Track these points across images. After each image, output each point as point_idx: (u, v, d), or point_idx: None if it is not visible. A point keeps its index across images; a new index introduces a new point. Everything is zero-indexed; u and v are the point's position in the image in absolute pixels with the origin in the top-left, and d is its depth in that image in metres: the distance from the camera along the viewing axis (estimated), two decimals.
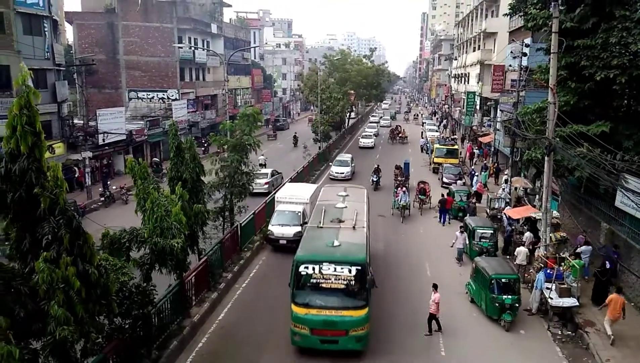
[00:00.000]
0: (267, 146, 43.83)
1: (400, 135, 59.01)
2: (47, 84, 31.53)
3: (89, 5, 50.35)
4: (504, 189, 28.35)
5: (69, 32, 50.59)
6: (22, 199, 8.62)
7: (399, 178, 32.09)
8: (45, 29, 31.22)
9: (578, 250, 18.43)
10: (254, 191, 26.20)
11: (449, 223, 26.42)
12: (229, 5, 64.80)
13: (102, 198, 30.31)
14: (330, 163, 40.96)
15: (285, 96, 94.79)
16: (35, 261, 8.39)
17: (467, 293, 17.71)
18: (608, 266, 16.51)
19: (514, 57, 30.22)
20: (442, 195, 28.05)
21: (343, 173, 37.65)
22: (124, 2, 48.26)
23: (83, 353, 9.38)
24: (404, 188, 27.90)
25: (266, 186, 31.55)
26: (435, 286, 15.37)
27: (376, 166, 35.57)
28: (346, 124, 64.80)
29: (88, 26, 48.47)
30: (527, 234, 20.80)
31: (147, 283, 12.98)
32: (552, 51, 17.26)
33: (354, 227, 16.13)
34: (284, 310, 14.57)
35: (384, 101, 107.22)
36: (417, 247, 23.15)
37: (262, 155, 37.44)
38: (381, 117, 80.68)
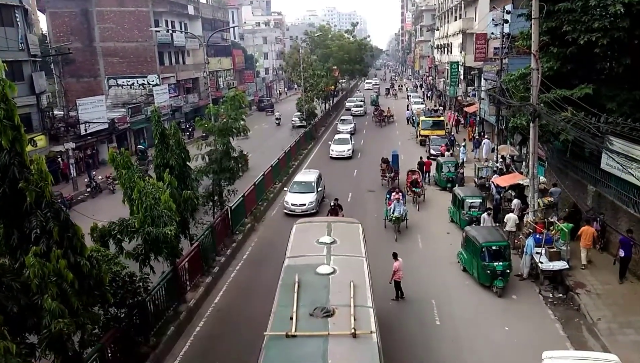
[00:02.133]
0: (252, 126, 43.55)
1: (386, 115, 53.86)
2: (24, 76, 30.81)
3: None
4: (488, 159, 28.76)
5: (42, 22, 49.29)
6: (7, 195, 8.49)
7: (387, 174, 28.09)
8: (17, 19, 30.37)
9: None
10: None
11: (428, 182, 28.76)
12: None
13: (89, 189, 30.00)
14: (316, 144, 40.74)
15: (268, 76, 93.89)
16: (25, 256, 8.31)
17: (458, 262, 17.93)
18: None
19: (496, 25, 30.14)
20: (420, 158, 30.53)
21: (344, 151, 37.13)
22: None
23: (81, 345, 9.38)
24: (399, 194, 21.84)
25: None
26: (395, 255, 15.78)
27: (333, 204, 21.84)
28: (331, 101, 64.44)
29: (62, 14, 47.24)
30: (515, 201, 21.01)
31: (141, 271, 12.94)
32: (533, 17, 17.18)
33: (353, 334, 8.57)
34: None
35: (365, 81, 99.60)
36: (417, 278, 17.02)
37: (278, 112, 54.03)
38: (357, 103, 64.00)
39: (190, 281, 16.30)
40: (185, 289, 15.88)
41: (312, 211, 24.22)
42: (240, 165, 22.23)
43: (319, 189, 25.86)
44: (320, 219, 16.52)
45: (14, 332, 7.88)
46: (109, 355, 11.10)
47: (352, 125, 46.96)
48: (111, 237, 13.06)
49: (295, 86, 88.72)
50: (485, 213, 19.79)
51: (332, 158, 36.65)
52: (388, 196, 22.77)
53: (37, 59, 33.35)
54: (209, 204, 21.21)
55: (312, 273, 10.89)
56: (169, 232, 12.82)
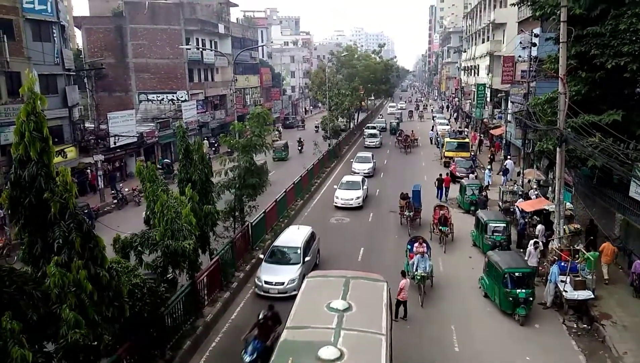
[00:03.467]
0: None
1: (411, 139, 49.97)
2: (58, 89, 31.82)
3: (97, 9, 50.78)
4: (514, 183, 28.55)
5: (78, 37, 50.98)
6: (32, 205, 8.71)
7: (407, 213, 24.07)
8: (54, 35, 31.51)
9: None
10: (343, 205, 28.36)
11: (446, 200, 29.04)
12: (236, 5, 64.89)
13: (115, 201, 30.59)
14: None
15: (294, 94, 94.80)
16: (47, 265, 8.48)
17: (480, 287, 17.57)
18: None
19: (524, 48, 29.92)
20: (440, 174, 31.04)
21: (374, 142, 45.56)
22: (131, 6, 48.53)
23: (97, 356, 9.45)
24: (423, 246, 17.95)
25: (359, 200, 28.88)
26: (403, 274, 15.98)
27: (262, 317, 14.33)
28: (356, 121, 64.59)
29: (97, 30, 48.86)
30: (539, 227, 20.56)
31: (159, 284, 13.05)
32: (561, 40, 17.02)
33: None
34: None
35: (389, 104, 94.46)
36: (437, 302, 16.94)
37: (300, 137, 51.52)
38: (372, 132, 53.30)
39: (209, 296, 16.35)
40: (203, 303, 15.92)
41: (370, 174, 36.45)
42: (263, 181, 22.41)
43: (307, 258, 18.51)
44: (337, 274, 13.07)
45: (33, 339, 8.00)
46: None
47: (371, 165, 37.81)
48: (132, 249, 13.25)
49: (320, 104, 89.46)
50: (532, 246, 18.24)
51: (337, 207, 28.53)
52: (409, 246, 18.71)
53: (71, 73, 34.47)
54: (229, 219, 21.36)
55: (312, 357, 8.71)
56: (188, 246, 12.94)
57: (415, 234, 20.98)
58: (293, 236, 19.52)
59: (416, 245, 18.23)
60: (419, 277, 16.76)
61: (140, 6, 48.49)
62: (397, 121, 65.45)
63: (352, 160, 39.99)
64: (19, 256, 15.41)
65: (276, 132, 55.47)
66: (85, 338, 8.21)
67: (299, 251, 18.31)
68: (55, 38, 31.60)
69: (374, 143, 50.99)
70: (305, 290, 11.93)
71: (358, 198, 28.40)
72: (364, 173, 35.42)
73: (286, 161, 44.54)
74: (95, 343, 8.96)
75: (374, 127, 58.06)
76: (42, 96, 8.63)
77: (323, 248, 20.90)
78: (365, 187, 29.74)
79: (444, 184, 29.92)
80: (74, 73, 36.32)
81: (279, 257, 18.48)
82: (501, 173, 32.13)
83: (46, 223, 8.82)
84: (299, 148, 49.05)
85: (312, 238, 19.78)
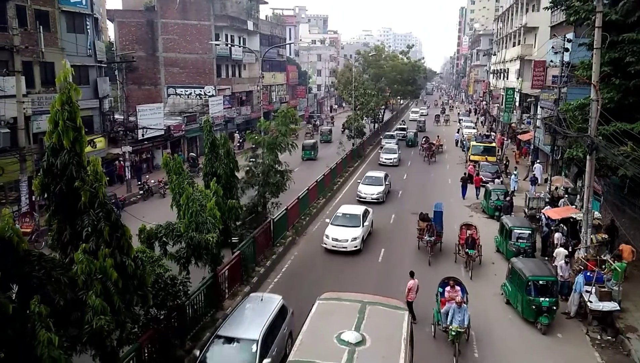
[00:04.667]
0: (301, 141, 43.96)
1: (435, 145, 45.77)
2: (89, 80, 32.51)
3: (129, 3, 51.65)
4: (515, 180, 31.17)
5: (110, 30, 52.02)
6: (63, 192, 8.93)
7: (427, 237, 20.68)
8: (88, 27, 32.18)
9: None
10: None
11: (477, 196, 29.56)
12: (265, 2, 65.25)
13: (141, 192, 31.11)
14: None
15: (320, 92, 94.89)
16: (75, 252, 8.68)
17: (502, 294, 17.33)
18: None
19: (556, 53, 29.39)
20: (465, 173, 31.74)
21: (391, 159, 40.73)
22: (163, 1, 49.22)
23: (119, 343, 9.65)
24: (458, 292, 14.57)
25: (380, 195, 29.61)
26: (412, 274, 15.86)
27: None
28: (381, 121, 64.28)
29: (128, 24, 49.70)
30: (557, 234, 20.21)
31: (182, 275, 13.24)
32: (595, 46, 16.64)
33: None
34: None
35: (411, 109, 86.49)
36: None
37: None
38: (390, 147, 44.59)
39: (229, 289, 16.52)
40: (224, 296, 16.09)
41: (396, 164, 36.70)
42: (286, 179, 22.52)
43: (365, 223, 22.75)
44: (352, 298, 11.53)
45: (58, 324, 8.19)
46: (146, 355, 11.38)
47: (382, 188, 30.10)
48: (157, 239, 13.48)
49: (344, 104, 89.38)
50: (563, 260, 17.49)
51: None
52: (441, 289, 15.15)
53: (102, 65, 35.17)
54: (252, 215, 21.52)
55: None
56: (211, 239, 13.11)
57: (436, 260, 19.91)
58: (354, 207, 24.54)
59: (448, 289, 14.77)
60: (453, 332, 13.46)
61: (171, 1, 49.14)
62: (414, 132, 55.69)
63: (359, 181, 32.29)
64: (47, 242, 15.91)
65: (309, 126, 60.39)
66: (110, 325, 8.38)
67: (360, 217, 22.64)
68: (89, 30, 32.28)
69: (391, 160, 41.38)
70: (315, 315, 10.63)
71: (354, 239, 21.27)
72: (372, 198, 29.20)
73: (315, 160, 43.26)
74: (119, 330, 9.16)
75: (392, 137, 51.77)
76: (76, 87, 8.83)
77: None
78: (366, 224, 22.68)
79: (474, 184, 30.98)
80: (106, 65, 37.05)
81: (345, 220, 22.51)
82: (529, 179, 31.63)
83: (75, 211, 9.03)
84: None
85: (367, 212, 23.96)
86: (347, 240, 21.36)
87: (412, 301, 15.55)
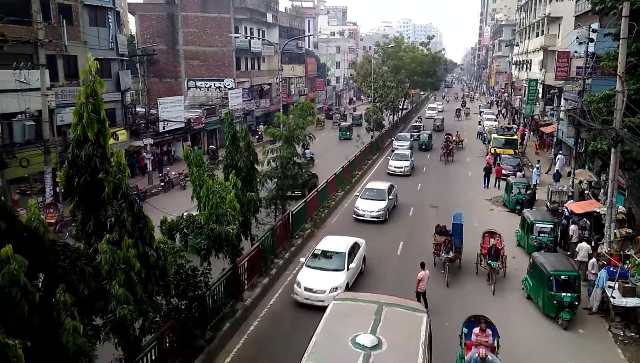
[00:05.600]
0: (320, 134, 43.90)
1: (455, 141, 42.74)
2: (112, 74, 32.95)
3: None
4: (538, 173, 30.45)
5: (131, 23, 52.56)
6: (87, 184, 9.08)
7: (444, 254, 17.99)
8: (110, 21, 32.57)
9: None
10: (364, 217, 24.24)
11: (497, 186, 29.79)
12: None
13: (162, 183, 31.52)
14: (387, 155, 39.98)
15: (338, 85, 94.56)
16: (99, 242, 8.84)
17: (523, 289, 17.14)
18: None
19: (580, 43, 28.76)
20: (487, 163, 31.83)
21: (402, 168, 34.32)
22: None
23: (141, 331, 9.83)
24: (488, 334, 12.05)
25: (381, 212, 24.48)
26: (422, 265, 15.85)
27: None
28: (400, 113, 63.81)
29: (149, 17, 50.14)
30: (573, 227, 19.92)
31: (203, 266, 13.40)
32: (621, 37, 16.25)
33: None
34: None
35: (428, 106, 78.02)
36: (477, 302, 15.99)
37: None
38: (400, 152, 37.71)
39: (248, 281, 16.67)
40: (243, 287, 16.25)
41: (407, 174, 31.63)
42: (303, 171, 22.58)
43: (390, 197, 25.80)
44: (369, 299, 11.04)
45: (82, 313, 8.37)
46: (167, 343, 11.57)
47: (384, 204, 24.91)
48: (178, 231, 13.65)
49: (362, 96, 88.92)
50: (594, 258, 17.03)
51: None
52: (465, 330, 12.51)
53: (124, 58, 35.58)
54: (271, 207, 21.64)
55: None
56: (231, 231, 13.23)
57: (456, 279, 17.19)
58: (379, 185, 26.80)
59: (476, 331, 12.10)
60: None
61: None
62: (430, 132, 48.69)
63: (357, 193, 27.76)
64: (71, 232, 16.23)
65: (337, 115, 65.67)
66: (132, 314, 8.54)
67: (385, 193, 25.48)
68: (111, 23, 32.67)
69: (401, 169, 34.77)
70: (330, 316, 10.23)
71: (334, 289, 15.92)
72: (372, 217, 24.41)
73: (350, 139, 47.08)
74: (141, 319, 9.32)
75: (405, 138, 45.07)
76: (100, 80, 8.95)
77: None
78: (352, 266, 17.24)
79: (495, 175, 31.45)
80: (127, 58, 37.47)
81: (373, 194, 25.46)
82: (551, 173, 31.14)
83: (99, 202, 9.18)
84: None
85: (392, 187, 26.81)
86: (323, 293, 15.90)
87: (422, 292, 15.62)
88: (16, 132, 23.55)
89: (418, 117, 68.64)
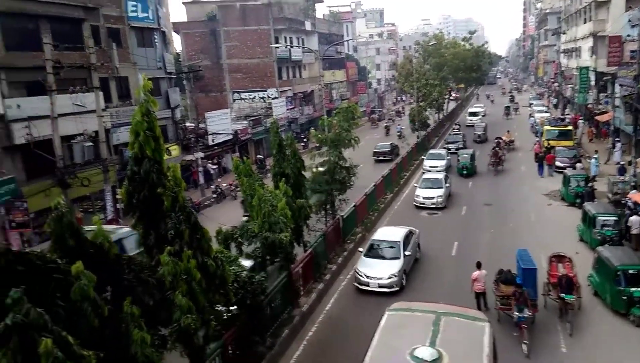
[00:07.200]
0: (364, 136, 43.70)
1: (502, 150, 35.16)
2: (161, 92, 34.12)
3: (193, 14, 53.72)
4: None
5: (176, 42, 54.34)
6: (146, 199, 9.41)
7: (516, 314, 13.42)
8: (156, 41, 33.77)
9: None
10: (422, 205, 26.53)
11: (551, 173, 29.65)
12: (321, 1, 65.61)
13: (214, 195, 32.30)
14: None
15: (380, 87, 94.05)
16: (160, 254, 9.13)
17: (589, 285, 16.38)
18: None
19: (633, 26, 27.46)
20: (535, 152, 32.21)
21: (432, 198, 26.30)
22: (224, 9, 50.75)
23: (205, 340, 10.05)
24: None
25: (440, 199, 26.05)
26: (478, 265, 15.39)
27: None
28: (445, 110, 62.66)
29: (193, 35, 51.67)
30: (633, 218, 18.90)
31: (259, 274, 13.59)
32: None
33: None
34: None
35: (468, 111, 63.59)
36: (544, 301, 14.96)
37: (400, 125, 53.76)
38: (431, 178, 28.32)
39: (304, 287, 16.76)
40: (299, 294, 16.34)
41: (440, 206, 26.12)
42: (351, 175, 22.53)
43: (447, 185, 27.52)
44: (425, 308, 10.35)
45: (149, 323, 8.65)
46: (230, 351, 11.79)
47: (396, 269, 17.12)
48: (233, 240, 13.93)
49: (403, 97, 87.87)
50: None
51: None
52: None
53: (172, 76, 36.79)
54: (321, 212, 21.71)
55: None
56: (284, 238, 13.39)
57: (531, 344, 13.13)
58: (437, 174, 29.00)
59: None
60: None
61: (232, 8, 50.57)
62: (471, 153, 34.63)
63: (360, 249, 19.74)
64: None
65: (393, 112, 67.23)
66: (196, 323, 8.75)
67: (442, 179, 27.51)
68: (157, 43, 33.87)
69: (433, 201, 26.32)
70: (385, 328, 9.68)
71: (392, 275, 16.86)
72: (381, 285, 16.99)
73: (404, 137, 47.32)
74: (204, 327, 9.53)
75: (439, 156, 34.66)
76: (154, 99, 9.30)
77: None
78: (406, 255, 17.81)
79: (547, 162, 31.55)
80: (175, 76, 38.71)
81: (431, 183, 27.12)
82: (611, 163, 29.69)
83: (158, 216, 9.50)
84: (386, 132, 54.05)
85: (447, 177, 28.57)
86: (381, 280, 16.87)
87: (481, 292, 15.25)
88: (76, 154, 24.69)
89: (456, 124, 54.59)
